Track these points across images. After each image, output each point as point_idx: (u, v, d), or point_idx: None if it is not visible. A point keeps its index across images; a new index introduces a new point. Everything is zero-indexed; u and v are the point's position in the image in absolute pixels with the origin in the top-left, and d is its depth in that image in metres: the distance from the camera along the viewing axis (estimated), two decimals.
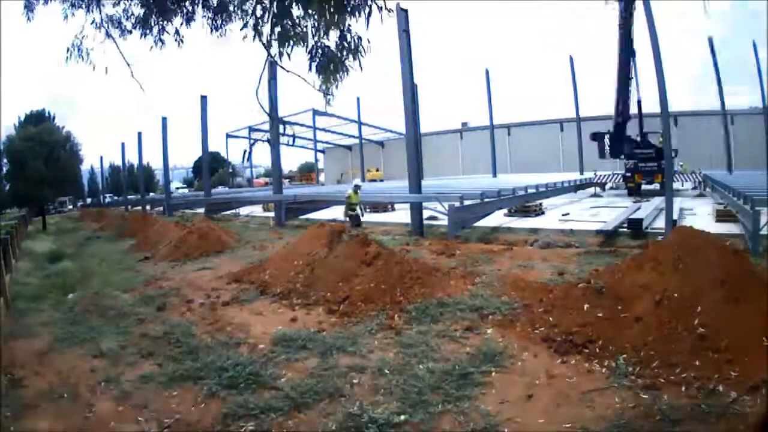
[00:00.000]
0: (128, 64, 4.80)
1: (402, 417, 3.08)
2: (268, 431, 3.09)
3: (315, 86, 3.66)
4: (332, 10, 3.38)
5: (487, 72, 28.06)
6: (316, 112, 35.80)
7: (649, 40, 9.26)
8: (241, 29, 3.57)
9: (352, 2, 3.42)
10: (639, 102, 17.42)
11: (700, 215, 11.70)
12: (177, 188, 50.14)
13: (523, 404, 3.24)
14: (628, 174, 17.85)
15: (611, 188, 20.71)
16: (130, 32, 4.66)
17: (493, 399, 3.31)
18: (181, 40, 4.48)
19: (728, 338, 3.49)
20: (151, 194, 41.66)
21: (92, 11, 4.62)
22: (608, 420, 2.95)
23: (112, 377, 4.00)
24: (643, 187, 17.58)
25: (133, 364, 4.29)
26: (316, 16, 3.39)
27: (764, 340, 3.40)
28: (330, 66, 3.55)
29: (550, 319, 4.48)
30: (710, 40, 21.36)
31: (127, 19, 4.63)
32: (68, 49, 4.63)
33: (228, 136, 41.77)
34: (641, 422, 2.91)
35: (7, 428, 3.26)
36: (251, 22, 3.44)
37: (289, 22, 3.28)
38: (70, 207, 44.04)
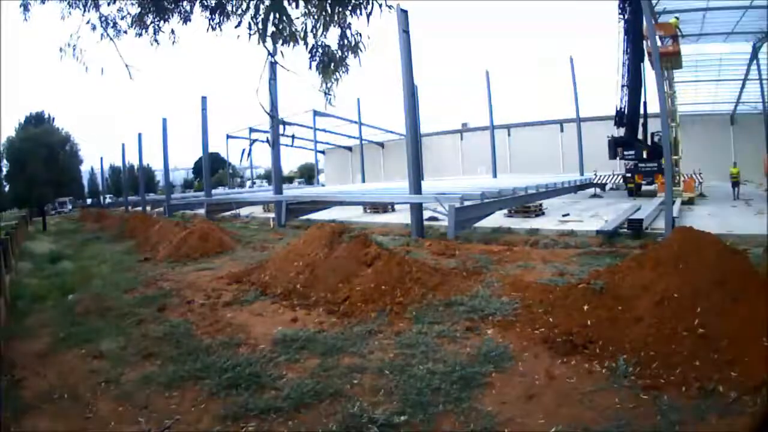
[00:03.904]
0: (126, 65, 4.80)
1: (402, 417, 3.08)
2: None
3: (315, 86, 3.66)
4: (332, 8, 3.38)
5: (487, 73, 28.10)
6: (316, 113, 35.86)
7: (650, 42, 9.28)
8: (236, 27, 3.57)
9: (352, 0, 3.43)
10: (645, 104, 17.51)
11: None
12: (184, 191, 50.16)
13: (524, 405, 3.23)
14: (629, 174, 17.95)
15: (611, 189, 21.08)
16: (125, 32, 4.66)
17: (494, 399, 3.31)
18: (174, 40, 4.48)
19: (728, 338, 3.49)
20: (151, 195, 41.69)
21: (89, 11, 4.62)
22: (608, 420, 2.94)
23: (112, 378, 4.00)
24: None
25: (134, 365, 4.29)
26: (315, 15, 3.39)
27: (764, 340, 3.40)
28: (330, 65, 3.56)
29: (551, 319, 4.48)
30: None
31: (122, 19, 4.63)
32: (61, 49, 4.62)
33: (228, 136, 41.81)
34: (641, 422, 2.91)
35: (7, 428, 3.26)
36: (247, 20, 3.43)
37: (285, 20, 3.27)
38: (70, 207, 44.07)
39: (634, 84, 16.97)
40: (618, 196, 18.25)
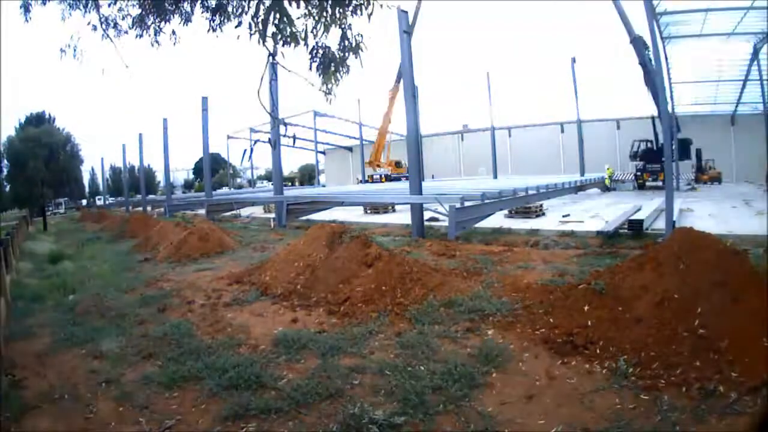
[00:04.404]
0: (126, 66, 4.82)
1: (402, 418, 3.08)
2: None
3: (316, 86, 3.67)
4: (332, 8, 3.39)
5: (488, 75, 28.16)
6: (316, 114, 35.95)
7: (651, 44, 9.32)
8: (237, 27, 3.58)
9: (353, 1, 3.44)
10: (653, 118, 20.00)
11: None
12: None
13: (524, 405, 3.24)
14: (638, 173, 22.36)
15: (611, 189, 22.73)
16: (126, 33, 4.67)
17: (494, 400, 3.31)
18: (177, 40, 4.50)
19: (728, 339, 3.49)
20: (150, 196, 41.73)
21: (90, 11, 4.64)
22: (608, 421, 2.95)
23: (112, 378, 4.00)
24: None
25: (134, 365, 4.29)
26: (316, 15, 3.40)
27: (764, 340, 3.40)
28: (330, 66, 3.57)
29: (551, 320, 4.48)
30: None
31: (122, 20, 4.64)
32: (62, 49, 4.64)
33: (229, 137, 41.94)
34: (641, 423, 2.91)
35: (7, 429, 3.26)
36: (248, 20, 3.45)
37: (286, 20, 3.28)
38: (70, 207, 44.16)
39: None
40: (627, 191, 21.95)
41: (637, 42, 15.51)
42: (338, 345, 4.40)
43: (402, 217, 14.11)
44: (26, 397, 3.74)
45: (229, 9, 4.02)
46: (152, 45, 4.58)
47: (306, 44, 3.49)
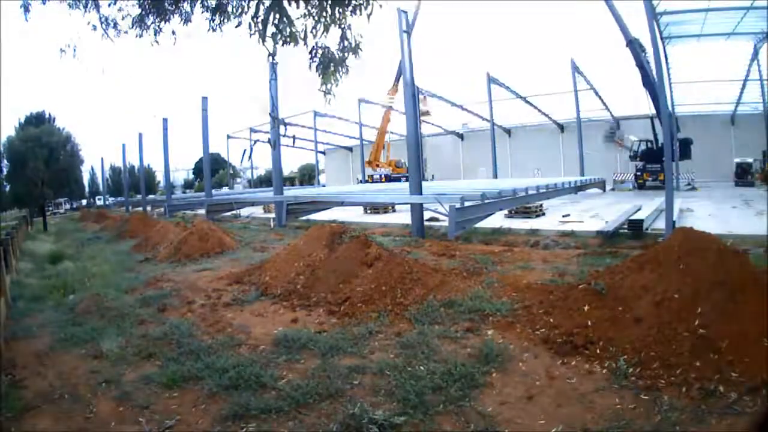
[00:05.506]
0: (126, 66, 4.83)
1: (402, 418, 3.08)
2: None
3: (316, 86, 3.68)
4: (332, 9, 3.40)
5: (488, 75, 28.12)
6: (316, 114, 35.94)
7: (651, 44, 9.33)
8: (237, 27, 3.59)
9: (353, 1, 3.44)
10: (653, 118, 20.65)
11: None
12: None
13: (524, 405, 3.24)
14: (638, 173, 22.66)
15: (611, 189, 23.27)
16: (126, 32, 4.68)
17: (494, 400, 3.31)
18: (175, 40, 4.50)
19: (728, 339, 3.49)
20: (150, 196, 41.71)
21: (89, 11, 4.64)
22: (608, 421, 2.95)
23: (112, 378, 4.00)
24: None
25: (134, 365, 4.29)
26: (315, 15, 3.40)
27: (764, 341, 3.40)
28: (330, 65, 3.57)
29: (551, 320, 4.48)
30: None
31: (122, 20, 4.64)
32: (62, 49, 4.64)
33: (229, 137, 41.93)
34: (641, 423, 2.91)
35: (7, 429, 3.26)
36: (247, 20, 3.45)
37: (286, 20, 3.28)
38: (68, 207, 44.22)
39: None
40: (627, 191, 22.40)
41: (633, 45, 15.49)
42: (338, 345, 4.40)
43: (402, 217, 14.12)
44: (26, 397, 3.74)
45: (229, 9, 4.02)
46: (152, 45, 4.59)
47: (306, 44, 3.50)
